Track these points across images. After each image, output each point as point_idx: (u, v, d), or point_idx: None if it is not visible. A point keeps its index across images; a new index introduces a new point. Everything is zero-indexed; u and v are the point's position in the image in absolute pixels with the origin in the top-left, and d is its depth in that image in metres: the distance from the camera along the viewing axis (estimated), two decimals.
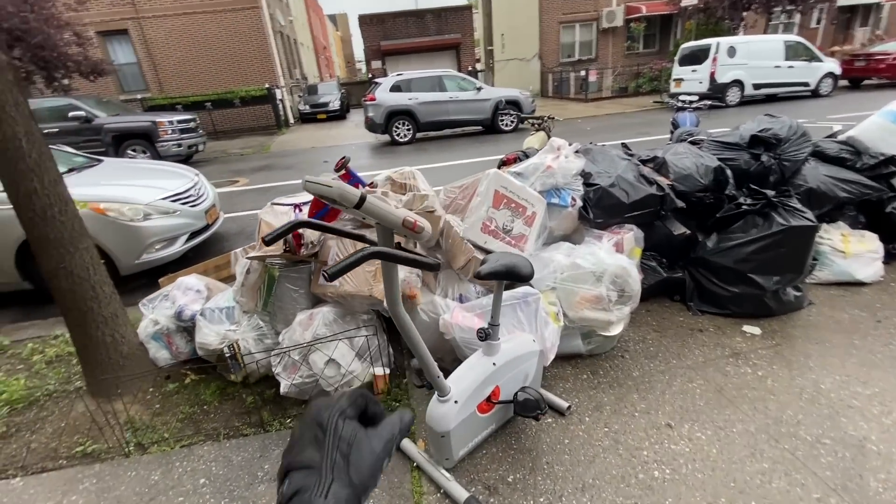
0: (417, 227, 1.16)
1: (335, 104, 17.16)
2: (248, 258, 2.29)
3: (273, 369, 2.12)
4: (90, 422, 2.12)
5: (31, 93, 10.90)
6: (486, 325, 1.91)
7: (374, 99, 10.15)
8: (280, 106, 15.07)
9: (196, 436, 2.01)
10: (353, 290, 2.11)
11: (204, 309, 2.43)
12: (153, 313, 2.52)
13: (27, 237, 2.06)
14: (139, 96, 14.05)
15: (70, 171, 4.24)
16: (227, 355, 2.24)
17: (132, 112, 10.23)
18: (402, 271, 2.17)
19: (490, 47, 19.47)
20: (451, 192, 2.55)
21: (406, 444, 1.78)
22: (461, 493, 1.53)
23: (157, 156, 9.28)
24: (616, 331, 2.15)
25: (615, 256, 2.17)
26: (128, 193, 3.79)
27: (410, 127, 10.37)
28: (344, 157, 2.30)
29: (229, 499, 1.66)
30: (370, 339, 2.11)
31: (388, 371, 2.14)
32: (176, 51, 14.45)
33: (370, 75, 19.59)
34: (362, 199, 1.04)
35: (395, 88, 10.32)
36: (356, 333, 2.11)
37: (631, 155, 3.05)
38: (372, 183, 2.42)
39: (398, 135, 10.39)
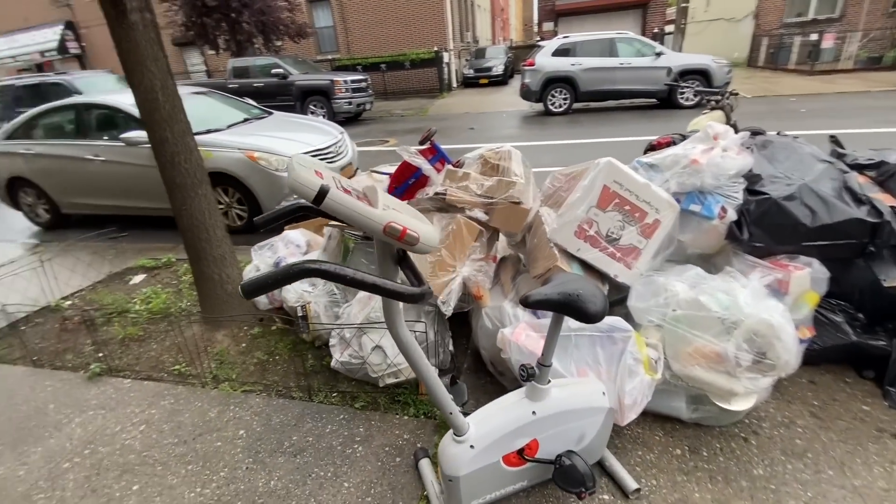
0: (407, 236, 0.87)
1: (498, 69, 16.80)
2: (328, 225, 2.27)
3: (330, 340, 2.09)
4: (193, 345, 2.42)
5: (251, 52, 13.14)
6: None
7: (532, 64, 9.51)
8: (445, 69, 15.39)
9: (256, 385, 2.12)
10: None
11: (282, 262, 2.53)
12: (257, 259, 2.74)
13: (161, 178, 2.36)
14: (330, 57, 15.86)
15: (245, 120, 4.91)
16: (300, 315, 2.31)
17: (319, 71, 11.57)
18: (469, 266, 1.89)
19: (685, 3, 16.41)
20: (558, 179, 2.11)
21: (424, 466, 1.56)
22: None
23: (331, 111, 10.38)
24: (741, 406, 1.53)
25: (763, 303, 1.51)
26: (276, 145, 4.21)
27: (568, 96, 9.49)
28: (430, 129, 2.06)
29: (252, 460, 1.69)
30: (421, 334, 1.90)
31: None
32: (365, 14, 15.74)
33: (538, 38, 18.54)
34: (321, 194, 0.79)
35: (560, 53, 9.46)
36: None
37: (840, 156, 2.12)
38: (458, 161, 2.13)
39: (553, 104, 9.62)
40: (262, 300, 2.71)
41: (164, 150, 2.25)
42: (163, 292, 3.07)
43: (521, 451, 1.34)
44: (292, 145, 4.31)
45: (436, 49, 14.84)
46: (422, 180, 2.06)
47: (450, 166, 2.04)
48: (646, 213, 1.82)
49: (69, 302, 3.11)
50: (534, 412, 1.32)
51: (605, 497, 1.45)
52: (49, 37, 18.49)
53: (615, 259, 1.85)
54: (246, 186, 4.11)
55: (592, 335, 1.62)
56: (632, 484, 1.44)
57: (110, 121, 4.41)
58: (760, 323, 1.43)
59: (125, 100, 4.45)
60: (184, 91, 5.41)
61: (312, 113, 10.50)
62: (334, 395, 2.01)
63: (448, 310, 1.81)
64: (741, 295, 1.53)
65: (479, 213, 1.91)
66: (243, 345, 2.47)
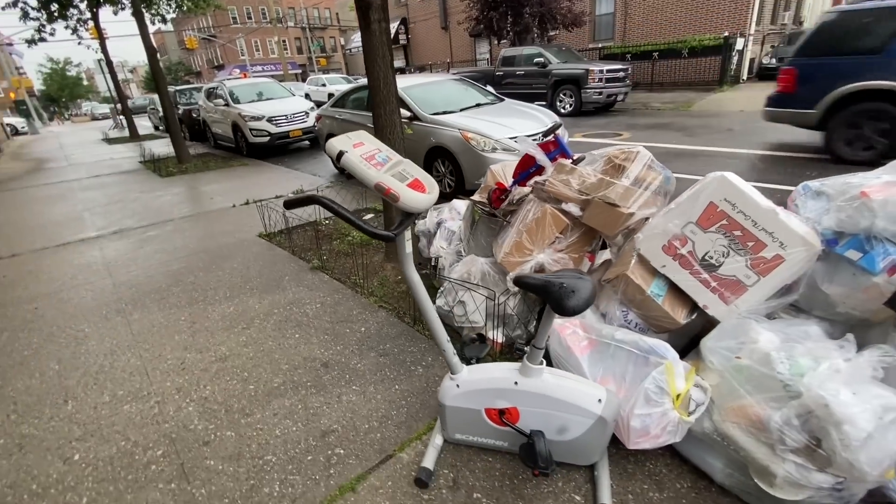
0: (390, 194, 1.21)
1: None
2: (459, 198, 2.68)
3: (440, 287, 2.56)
4: (370, 268, 3.31)
5: (528, 41, 14.22)
6: (587, 356, 1.62)
7: None
8: (734, 58, 13.02)
9: (388, 305, 2.80)
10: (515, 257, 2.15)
11: (443, 223, 3.09)
12: (429, 217, 3.42)
13: None
14: (600, 45, 15.58)
15: (477, 105, 5.71)
16: (432, 265, 2.86)
17: (579, 60, 11.67)
18: (548, 255, 2.00)
19: None
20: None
21: None
22: (427, 463, 1.58)
23: (579, 101, 10.47)
24: (784, 495, 1.24)
25: (850, 385, 1.16)
26: (488, 129, 4.82)
27: None
28: (555, 122, 2.18)
29: (357, 348, 2.35)
30: (490, 301, 2.15)
31: (499, 340, 2.16)
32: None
33: None
34: (339, 154, 1.22)
35: None
36: (476, 290, 2.20)
37: None
38: (575, 158, 2.17)
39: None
40: (424, 249, 3.39)
41: (377, 124, 3.08)
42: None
43: (501, 413, 1.52)
44: (501, 129, 4.84)
45: (725, 34, 12.68)
46: (540, 171, 2.23)
47: (562, 160, 2.13)
48: (763, 245, 1.54)
49: (327, 222, 4.55)
50: (516, 382, 1.47)
51: (577, 498, 1.47)
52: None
53: (708, 288, 1.65)
54: (457, 161, 4.91)
55: (631, 351, 1.57)
56: (606, 499, 1.42)
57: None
58: (815, 399, 1.13)
59: (399, 83, 5.84)
60: (445, 77, 6.67)
61: (560, 102, 10.83)
62: (427, 334, 2.49)
63: (514, 288, 2.00)
64: (824, 368, 1.21)
65: (573, 208, 1.97)
66: (399, 277, 3.21)
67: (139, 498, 1.58)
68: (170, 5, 12.11)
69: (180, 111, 13.26)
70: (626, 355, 1.57)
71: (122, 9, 11.49)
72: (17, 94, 23.26)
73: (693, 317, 1.71)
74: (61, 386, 2.23)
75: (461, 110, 5.47)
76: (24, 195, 7.01)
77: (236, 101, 9.65)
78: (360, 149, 1.30)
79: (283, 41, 44.32)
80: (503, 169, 2.67)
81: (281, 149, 9.41)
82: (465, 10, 15.61)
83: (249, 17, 43.31)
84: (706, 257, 1.64)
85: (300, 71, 42.27)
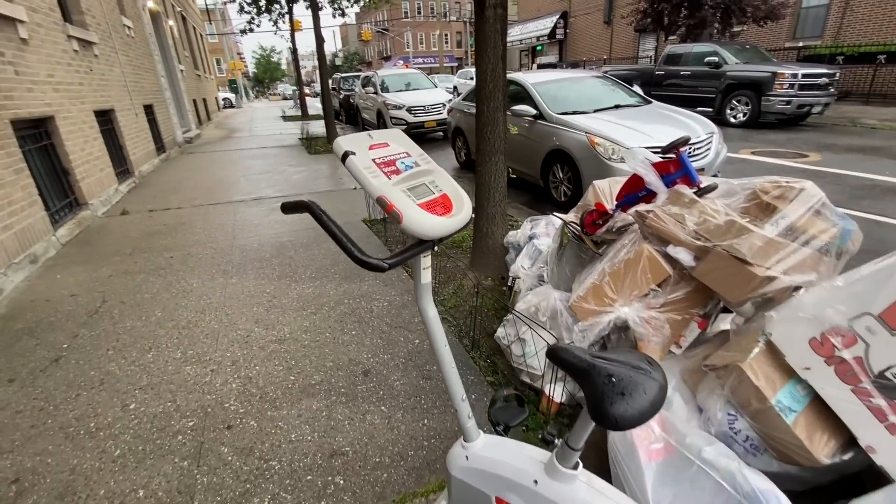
0: (392, 212, 0.95)
1: None
2: (554, 214, 2.27)
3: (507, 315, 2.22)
4: (449, 271, 3.10)
5: (704, 38, 12.34)
6: (656, 467, 1.19)
7: None
8: None
9: (452, 317, 2.55)
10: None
11: (534, 238, 2.71)
12: (524, 228, 3.06)
13: (476, 144, 2.97)
14: (801, 44, 12.74)
15: (615, 107, 5.03)
16: (508, 284, 2.52)
17: (765, 61, 9.65)
18: (636, 310, 1.53)
19: None
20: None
21: None
22: None
23: (756, 110, 8.70)
24: None
25: None
26: (620, 135, 4.18)
27: None
28: (682, 137, 1.64)
29: (413, 364, 2.16)
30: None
31: (557, 399, 1.74)
32: None
33: None
34: (344, 156, 0.99)
35: None
36: (541, 330, 1.79)
37: None
38: (703, 186, 1.59)
39: None
40: (510, 262, 3.05)
41: (479, 120, 2.81)
42: (468, 230, 3.92)
43: None
44: (636, 136, 4.15)
45: None
46: (649, 197, 1.72)
47: (680, 187, 1.58)
48: None
49: None
50: (536, 482, 1.10)
51: None
52: (547, 25, 23.59)
53: (882, 422, 1.03)
54: (577, 168, 4.37)
55: (721, 486, 1.06)
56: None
57: (517, 94, 5.55)
58: None
59: (529, 78, 5.47)
60: (586, 74, 6.06)
61: (731, 109, 9.15)
62: (483, 359, 2.17)
63: (583, 341, 1.57)
64: None
65: (684, 255, 1.46)
66: (475, 289, 2.93)
67: (155, 466, 1.63)
68: (349, 1, 13.44)
69: (342, 96, 14.76)
70: (714, 489, 1.07)
71: (308, 6, 13.12)
72: (232, 75, 28.63)
73: (846, 457, 1.11)
74: (153, 334, 2.49)
75: (595, 111, 4.87)
76: (209, 157, 8.46)
77: (385, 89, 10.28)
78: (379, 151, 1.06)
79: (445, 35, 46.45)
80: (609, 186, 2.18)
81: (416, 138, 9.74)
82: (632, 2, 14.20)
83: (419, 12, 46.28)
84: (887, 374, 1.02)
85: (456, 64, 43.89)
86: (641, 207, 1.60)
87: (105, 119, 5.73)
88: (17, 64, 3.73)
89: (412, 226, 0.96)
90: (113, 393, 2.02)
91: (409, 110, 9.18)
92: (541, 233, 2.85)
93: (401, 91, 10.24)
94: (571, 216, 2.23)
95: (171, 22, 11.88)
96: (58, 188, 4.24)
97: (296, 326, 2.53)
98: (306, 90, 24.38)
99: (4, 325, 2.62)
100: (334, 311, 2.68)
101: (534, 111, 4.95)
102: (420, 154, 1.16)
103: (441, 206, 1.04)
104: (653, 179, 1.64)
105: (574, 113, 4.78)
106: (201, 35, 19.72)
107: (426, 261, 1.13)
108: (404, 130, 7.44)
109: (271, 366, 2.18)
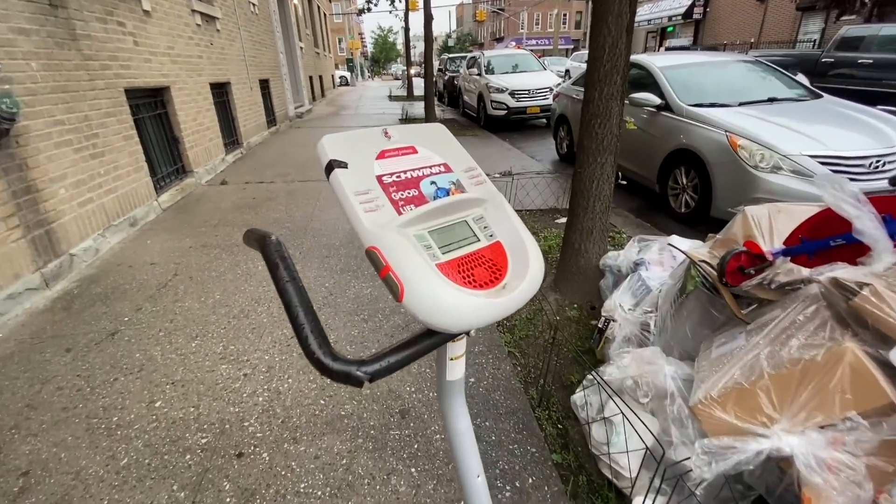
0: (386, 277, 0.52)
1: None
2: (675, 245, 1.66)
3: (590, 374, 1.69)
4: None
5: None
6: None
7: None
8: None
9: (518, 353, 2.08)
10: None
11: (643, 266, 2.10)
12: (628, 250, 2.43)
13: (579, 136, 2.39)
14: None
15: (770, 100, 3.99)
16: (598, 325, 1.97)
17: None
18: (814, 444, 0.93)
19: None
20: None
21: None
22: None
23: None
24: None
25: None
26: (775, 136, 3.24)
27: None
28: None
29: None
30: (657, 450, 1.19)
31: None
32: None
33: None
34: (328, 167, 0.57)
35: None
36: (639, 416, 1.24)
37: None
38: None
39: None
40: (604, 291, 2.46)
41: (586, 110, 2.23)
42: (559, 238, 3.35)
43: None
44: (799, 140, 3.19)
45: None
46: (854, 249, 1.06)
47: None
48: None
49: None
50: None
51: None
52: (682, 2, 20.79)
53: None
54: (709, 174, 3.52)
55: None
56: None
57: (638, 80, 4.71)
58: None
59: (657, 60, 4.59)
60: (732, 57, 4.96)
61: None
62: (551, 424, 1.68)
63: (710, 469, 1.01)
64: None
65: None
66: (556, 317, 2.41)
67: (152, 490, 1.43)
68: None
69: (446, 77, 14.52)
70: None
71: None
72: (350, 54, 30.07)
73: None
74: (204, 319, 2.39)
75: (741, 105, 3.90)
76: (312, 133, 8.76)
77: (490, 71, 9.75)
78: (394, 162, 0.63)
79: (564, 15, 43.89)
80: (771, 219, 1.51)
81: (516, 124, 9.15)
82: None
83: None
84: None
85: (572, 46, 41.39)
86: (843, 273, 0.97)
87: (220, 91, 6.06)
88: (137, 35, 3.94)
89: (418, 307, 0.52)
90: (146, 383, 1.91)
91: (511, 94, 8.57)
92: (652, 260, 2.22)
93: (506, 73, 9.63)
94: (704, 251, 1.60)
95: (295, 1, 12.51)
96: (166, 155, 4.51)
97: (343, 334, 2.25)
98: (414, 71, 24.68)
99: (87, 288, 2.73)
100: (387, 321, 2.36)
101: (658, 100, 4.12)
102: (469, 167, 0.71)
103: (485, 266, 0.58)
104: (869, 227, 0.98)
105: (711, 105, 3.87)
106: (325, 14, 20.78)
107: (456, 348, 0.69)
108: (503, 116, 6.85)
109: (304, 381, 1.92)
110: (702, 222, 3.65)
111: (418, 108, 11.80)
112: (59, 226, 2.83)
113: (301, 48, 12.58)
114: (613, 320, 1.89)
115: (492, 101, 8.79)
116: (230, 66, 6.42)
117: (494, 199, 0.66)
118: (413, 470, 1.50)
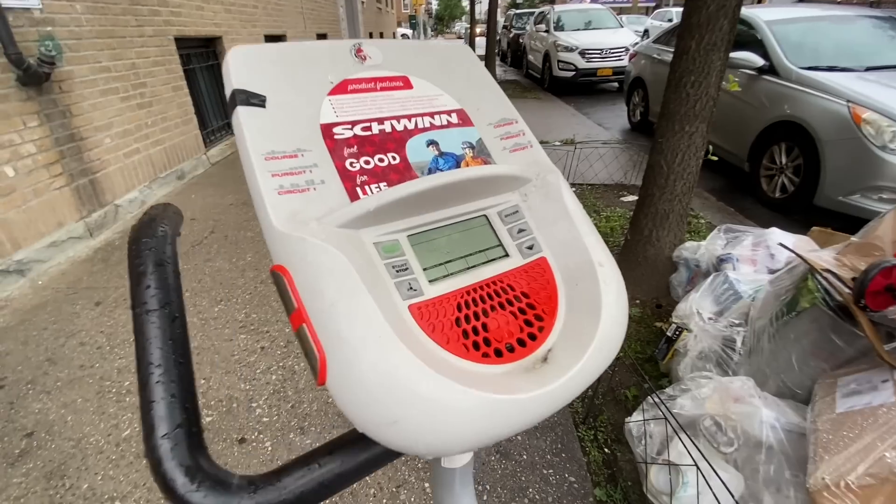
0: (299, 334, 0.28)
1: None
2: (788, 248, 1.26)
3: (653, 395, 1.37)
4: None
5: None
6: None
7: None
8: None
9: None
10: None
11: (729, 262, 1.72)
12: (711, 241, 2.02)
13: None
14: None
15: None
16: (667, 334, 1.62)
17: None
18: None
19: None
20: None
21: None
22: None
23: None
24: None
25: None
26: None
27: None
28: None
29: None
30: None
31: None
32: None
33: None
34: (234, 98, 0.30)
35: None
36: (717, 468, 0.93)
37: None
38: None
39: None
40: (675, 287, 2.08)
41: (677, 65, 1.79)
42: (624, 218, 2.93)
43: None
44: None
45: None
46: None
47: None
48: None
49: (573, 188, 3.55)
50: None
51: None
52: None
53: None
54: (818, 152, 2.90)
55: None
56: None
57: (737, 37, 3.98)
58: None
59: (762, 13, 3.84)
60: (855, 12, 4.06)
61: None
62: (597, 448, 1.39)
63: None
64: None
65: None
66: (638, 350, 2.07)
67: (147, 472, 1.33)
68: None
69: (511, 35, 13.61)
70: None
71: None
72: (414, 10, 29.14)
73: None
74: (232, 283, 2.29)
75: (868, 70, 3.16)
76: None
77: (560, 27, 8.91)
78: (365, 100, 0.35)
79: None
80: None
81: (585, 87, 8.37)
82: None
83: None
84: None
85: (654, 3, 37.69)
86: None
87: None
88: None
89: (357, 406, 0.24)
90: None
91: (581, 53, 7.79)
92: (743, 256, 1.82)
93: (577, 30, 8.76)
94: (828, 257, 1.19)
95: None
96: (217, 108, 4.46)
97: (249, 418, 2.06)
98: (479, 30, 23.54)
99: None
100: None
101: (760, 61, 3.44)
102: (505, 119, 0.40)
103: (512, 310, 0.29)
104: None
105: (830, 69, 3.16)
106: None
107: (458, 458, 0.41)
108: (570, 78, 6.23)
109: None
110: (801, 211, 3.06)
111: None
112: (103, 175, 2.82)
113: (362, 2, 12.20)
114: (687, 329, 1.53)
115: (559, 62, 8.05)
116: (286, 17, 6.25)
117: (545, 179, 0.37)
118: (426, 485, 1.29)
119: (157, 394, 0.28)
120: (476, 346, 0.28)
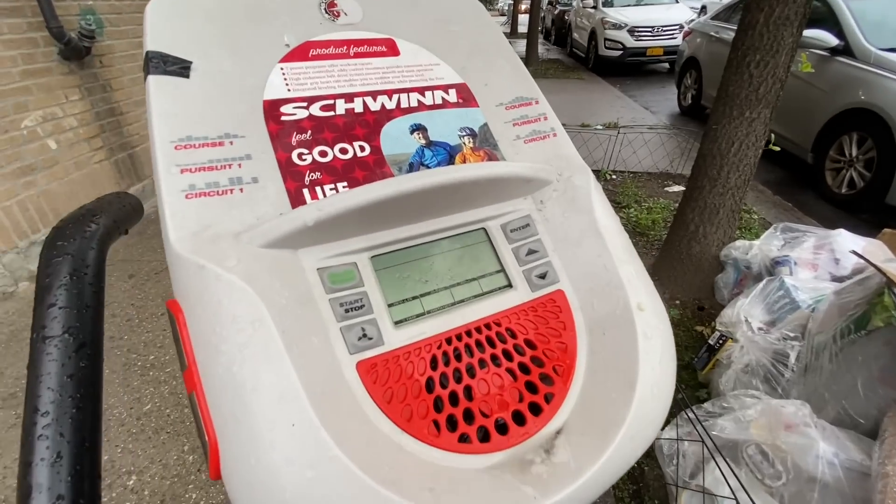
0: (188, 387, 0.18)
1: None
2: (863, 257, 1.09)
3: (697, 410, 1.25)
4: None
5: None
6: None
7: None
8: None
9: None
10: None
11: (786, 265, 1.55)
12: (765, 241, 1.83)
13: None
14: None
15: None
16: (709, 341, 1.48)
17: None
18: None
19: None
20: None
21: None
22: None
23: None
24: None
25: None
26: None
27: None
28: None
29: None
30: None
31: None
32: None
33: None
34: (148, 63, 0.23)
35: None
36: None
37: None
38: None
39: None
40: (727, 285, 1.91)
41: (740, 42, 1.59)
42: (668, 210, 2.73)
43: None
44: None
45: None
46: None
47: None
48: None
49: (614, 175, 3.35)
50: None
51: None
52: None
53: None
54: (893, 146, 2.58)
55: None
56: None
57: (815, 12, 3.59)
58: None
59: None
60: None
61: None
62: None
63: None
64: None
65: None
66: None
67: (166, 445, 1.35)
68: None
69: (556, 12, 12.99)
70: None
71: None
72: None
73: None
74: None
75: None
76: None
77: (608, 3, 8.40)
78: (333, 69, 0.26)
79: None
80: None
81: (632, 68, 7.89)
82: None
83: None
84: None
85: None
86: None
87: None
88: None
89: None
90: None
91: (630, 31, 7.32)
92: (802, 260, 1.64)
93: (627, 6, 8.23)
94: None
95: None
96: None
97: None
98: (524, 7, 22.66)
99: None
100: None
101: (834, 41, 3.08)
102: (521, 98, 0.31)
103: (510, 366, 0.21)
104: None
105: None
106: None
107: None
108: (616, 58, 5.91)
109: None
110: (870, 210, 2.76)
111: (520, 47, 10.77)
112: (142, 150, 2.88)
113: None
114: (733, 339, 1.39)
115: (605, 40, 7.61)
116: None
117: (570, 182, 0.27)
118: None
119: (38, 452, 0.22)
120: (452, 423, 0.20)
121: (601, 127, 4.50)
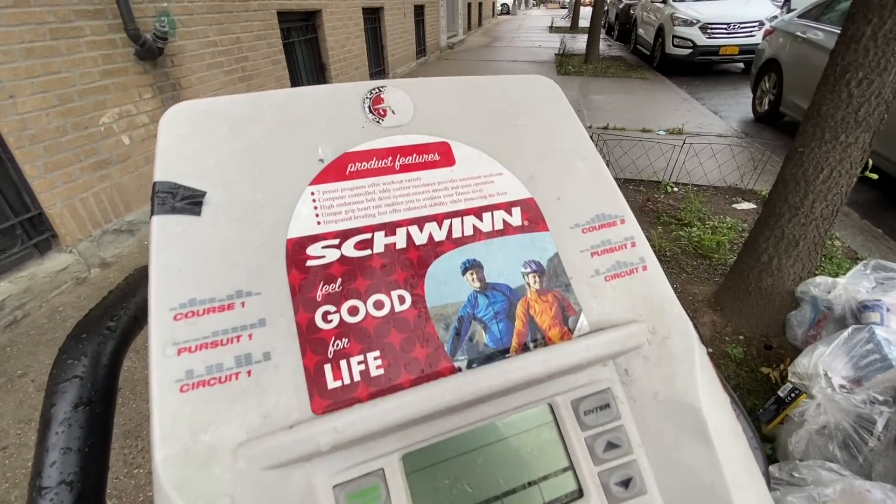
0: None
1: None
2: None
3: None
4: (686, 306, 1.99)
5: None
6: None
7: None
8: None
9: None
10: None
11: (877, 310, 1.36)
12: (850, 278, 1.63)
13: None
14: None
15: None
16: (779, 394, 1.33)
17: None
18: None
19: None
20: None
21: None
22: None
23: None
24: None
25: None
26: None
27: None
28: None
29: None
30: None
31: None
32: None
33: None
34: (156, 196, 0.19)
35: None
36: None
37: None
38: None
39: None
40: (800, 325, 1.72)
41: (841, 56, 1.40)
42: (736, 231, 2.52)
43: None
44: None
45: None
46: None
47: None
48: None
49: (676, 188, 3.14)
50: None
51: None
52: None
53: None
54: None
55: None
56: None
57: None
58: None
59: None
60: None
61: None
62: None
63: None
64: None
65: None
66: (708, 349, 1.78)
67: None
68: None
69: (621, 5, 12.41)
70: None
71: None
72: None
73: None
74: None
75: None
76: (458, 67, 8.33)
77: None
78: (374, 188, 0.22)
79: None
80: None
81: (701, 67, 7.38)
82: None
83: None
84: None
85: None
86: None
87: (372, 17, 5.93)
88: None
89: None
90: None
91: (703, 28, 6.83)
92: None
93: (700, 0, 7.69)
94: None
95: None
96: (312, 82, 4.58)
97: None
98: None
99: None
100: None
101: None
102: (607, 206, 0.25)
103: None
104: None
105: None
106: None
107: None
108: (685, 57, 5.54)
109: None
110: None
111: (580, 42, 10.39)
112: None
113: None
114: (808, 394, 1.24)
115: (674, 37, 7.16)
116: None
117: (664, 344, 0.21)
118: None
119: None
120: None
121: (664, 132, 4.24)
